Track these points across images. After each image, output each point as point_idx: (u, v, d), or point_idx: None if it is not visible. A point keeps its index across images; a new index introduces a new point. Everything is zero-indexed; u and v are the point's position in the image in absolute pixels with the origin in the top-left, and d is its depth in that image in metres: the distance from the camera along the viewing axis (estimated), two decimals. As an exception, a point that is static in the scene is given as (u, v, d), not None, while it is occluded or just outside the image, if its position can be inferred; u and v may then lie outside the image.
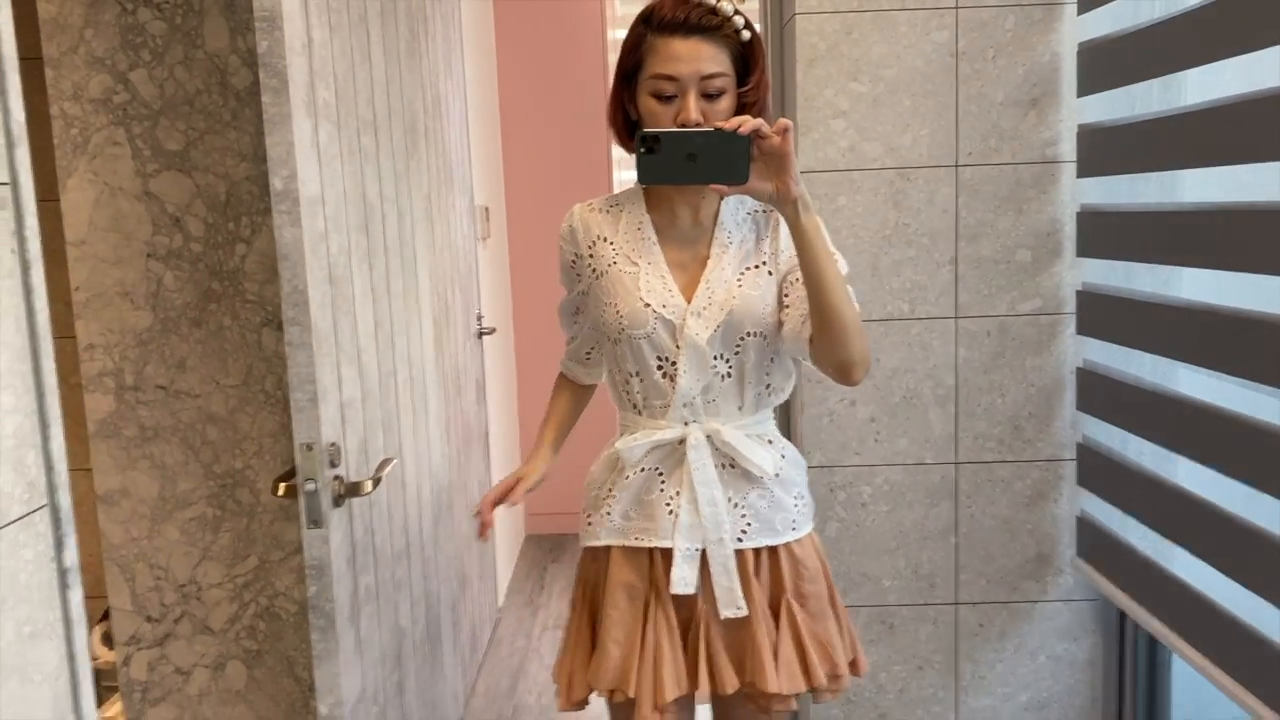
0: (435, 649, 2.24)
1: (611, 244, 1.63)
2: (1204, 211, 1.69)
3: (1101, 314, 2.05)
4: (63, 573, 1.00)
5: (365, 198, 1.79)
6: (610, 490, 1.65)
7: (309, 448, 1.51)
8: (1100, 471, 2.08)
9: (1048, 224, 2.12)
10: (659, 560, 1.60)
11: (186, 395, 1.80)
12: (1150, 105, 1.97)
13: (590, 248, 1.64)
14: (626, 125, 1.61)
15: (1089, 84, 2.05)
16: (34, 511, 0.96)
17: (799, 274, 1.52)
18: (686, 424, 1.59)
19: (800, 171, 1.43)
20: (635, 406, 1.63)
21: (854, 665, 1.69)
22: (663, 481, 1.61)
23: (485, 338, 3.66)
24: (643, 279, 1.58)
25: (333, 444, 1.56)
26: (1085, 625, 2.22)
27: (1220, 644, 1.68)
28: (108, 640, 2.15)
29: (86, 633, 1.04)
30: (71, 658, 1.01)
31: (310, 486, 1.52)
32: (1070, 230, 2.12)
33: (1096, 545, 2.12)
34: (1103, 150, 2.02)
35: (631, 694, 1.58)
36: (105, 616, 2.17)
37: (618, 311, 1.58)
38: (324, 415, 1.52)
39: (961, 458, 2.18)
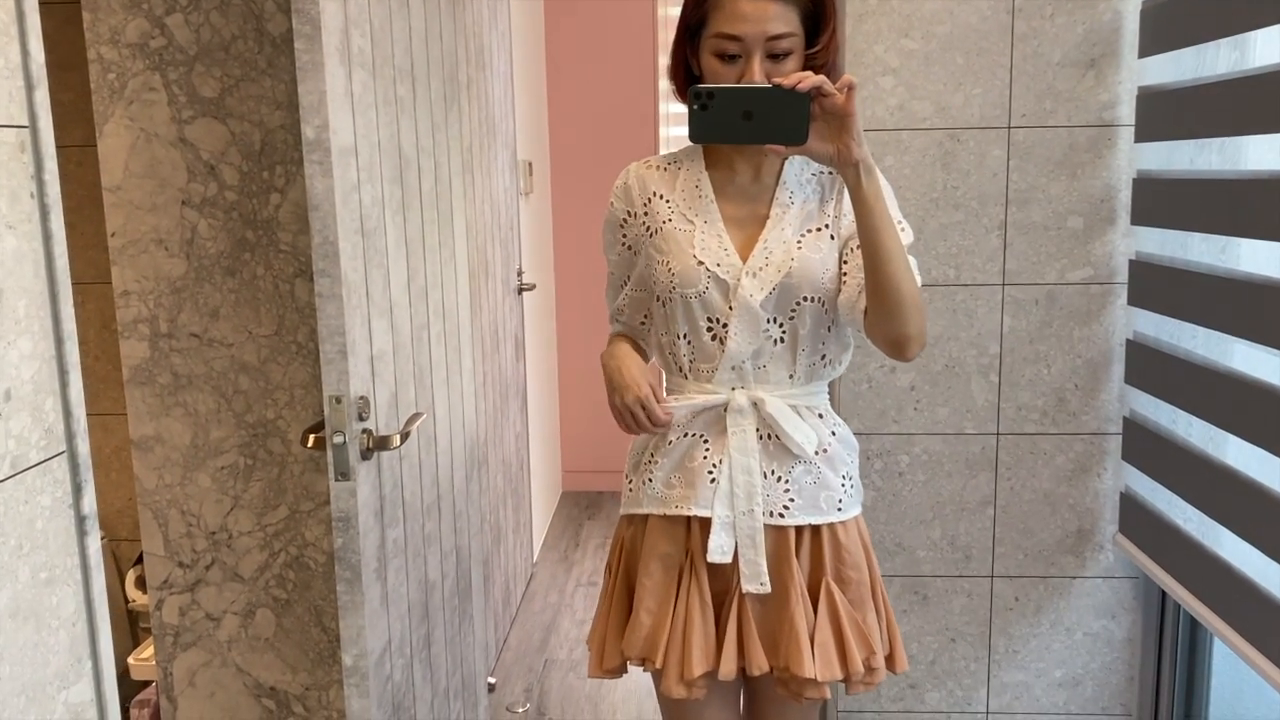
0: (465, 603, 2.25)
1: (668, 201, 1.57)
2: (1267, 180, 1.61)
3: (1155, 285, 1.98)
4: (80, 519, 1.00)
5: (400, 148, 1.76)
6: (653, 455, 1.59)
7: (337, 400, 1.51)
8: (1147, 447, 2.03)
9: (1102, 190, 2.04)
10: (697, 529, 1.55)
11: (219, 344, 1.80)
12: (1216, 68, 1.89)
13: (645, 205, 1.58)
14: (689, 81, 1.54)
15: (1151, 44, 1.96)
16: (52, 458, 0.96)
17: (859, 240, 1.46)
18: (733, 389, 1.53)
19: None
20: (681, 370, 1.58)
21: (891, 660, 1.61)
22: (707, 448, 1.55)
23: (525, 294, 3.65)
24: (698, 237, 1.52)
25: (362, 397, 1.55)
26: (1124, 603, 2.18)
27: (1264, 629, 1.63)
28: (141, 584, 2.19)
29: (104, 578, 1.04)
30: (89, 603, 1.02)
31: (338, 439, 1.51)
32: (1125, 197, 2.04)
33: (1139, 522, 2.06)
34: (1163, 114, 1.94)
35: (659, 665, 1.54)
36: (140, 560, 2.20)
37: (669, 269, 1.52)
38: (353, 368, 1.51)
39: (1003, 429, 2.13)
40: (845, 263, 1.52)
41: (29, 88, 0.93)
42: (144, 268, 1.78)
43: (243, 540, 1.85)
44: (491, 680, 2.96)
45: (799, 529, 1.54)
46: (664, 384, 1.63)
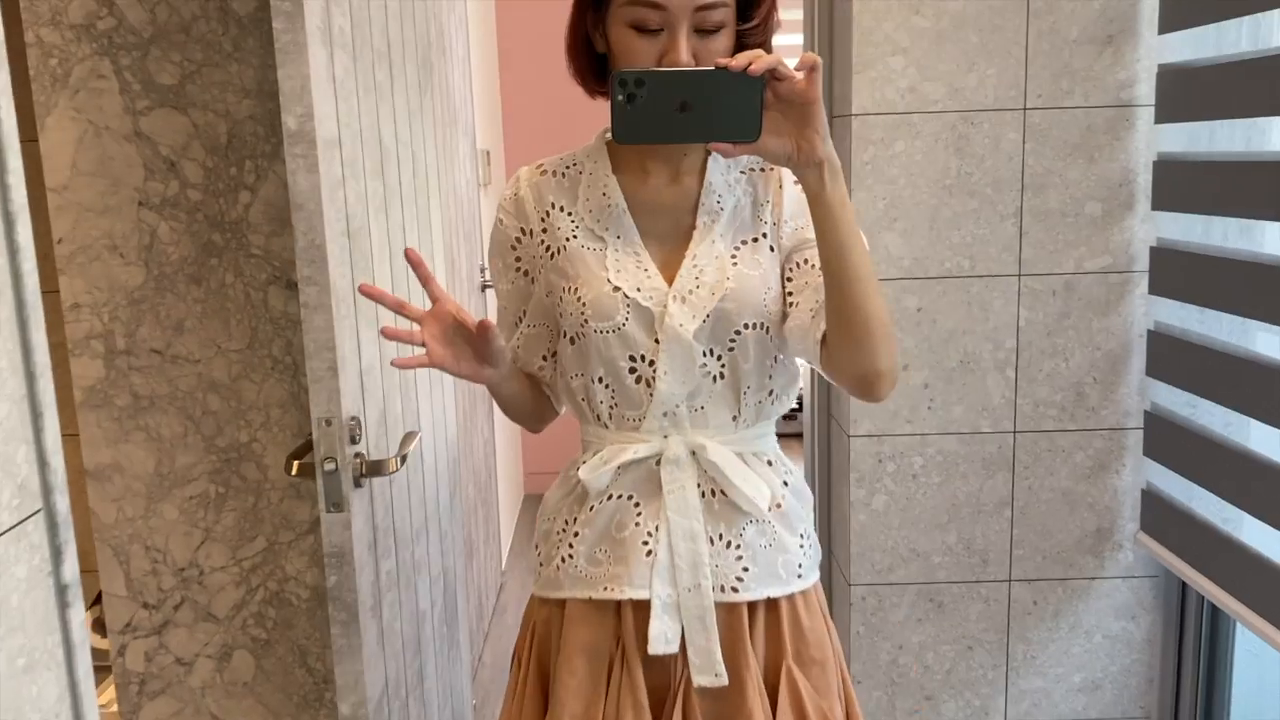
0: (452, 630, 2.09)
1: (570, 215, 1.29)
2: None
3: (1177, 272, 1.90)
4: (61, 589, 0.83)
5: (380, 139, 1.60)
6: (568, 523, 1.31)
7: (328, 423, 1.34)
8: (1169, 441, 1.94)
9: (1121, 174, 1.95)
10: (629, 613, 1.27)
11: (185, 360, 1.61)
12: (1239, 45, 1.82)
13: (543, 221, 1.31)
14: (592, 63, 1.31)
15: (1171, 20, 1.88)
16: (27, 519, 0.79)
17: (808, 253, 1.23)
18: (666, 437, 1.26)
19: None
20: (600, 419, 1.30)
21: None
22: (639, 513, 1.27)
23: (488, 291, 3.48)
24: (610, 257, 1.25)
25: (353, 418, 1.39)
26: (1144, 603, 2.10)
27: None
28: (100, 627, 1.99)
29: (89, 656, 0.87)
30: (73, 688, 0.85)
31: (330, 466, 1.35)
32: (1145, 181, 1.96)
33: (1162, 519, 1.98)
34: (1184, 94, 1.86)
35: None
36: (98, 600, 2.00)
37: (579, 298, 1.24)
38: (344, 386, 1.35)
39: (1020, 426, 2.03)
40: (790, 280, 1.26)
41: (-15, 71, 0.76)
42: (96, 277, 1.58)
43: (216, 576, 1.67)
44: (473, 702, 2.81)
45: (752, 604, 1.28)
46: (580, 436, 1.36)
